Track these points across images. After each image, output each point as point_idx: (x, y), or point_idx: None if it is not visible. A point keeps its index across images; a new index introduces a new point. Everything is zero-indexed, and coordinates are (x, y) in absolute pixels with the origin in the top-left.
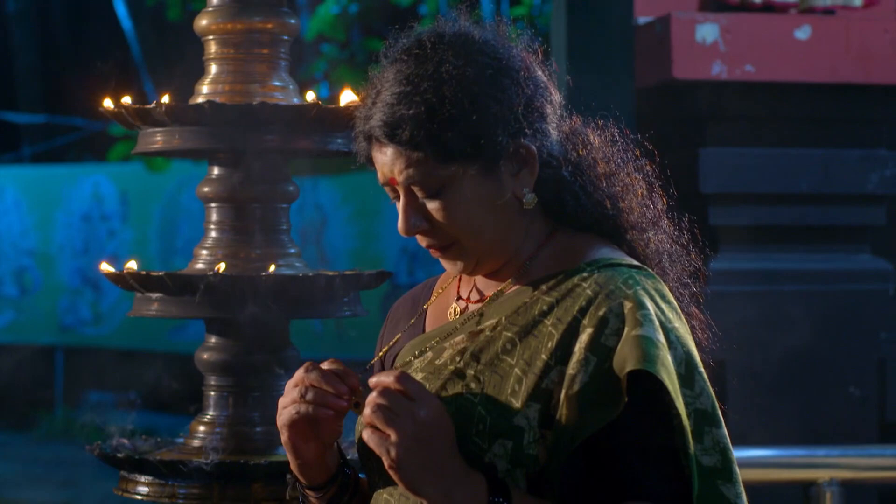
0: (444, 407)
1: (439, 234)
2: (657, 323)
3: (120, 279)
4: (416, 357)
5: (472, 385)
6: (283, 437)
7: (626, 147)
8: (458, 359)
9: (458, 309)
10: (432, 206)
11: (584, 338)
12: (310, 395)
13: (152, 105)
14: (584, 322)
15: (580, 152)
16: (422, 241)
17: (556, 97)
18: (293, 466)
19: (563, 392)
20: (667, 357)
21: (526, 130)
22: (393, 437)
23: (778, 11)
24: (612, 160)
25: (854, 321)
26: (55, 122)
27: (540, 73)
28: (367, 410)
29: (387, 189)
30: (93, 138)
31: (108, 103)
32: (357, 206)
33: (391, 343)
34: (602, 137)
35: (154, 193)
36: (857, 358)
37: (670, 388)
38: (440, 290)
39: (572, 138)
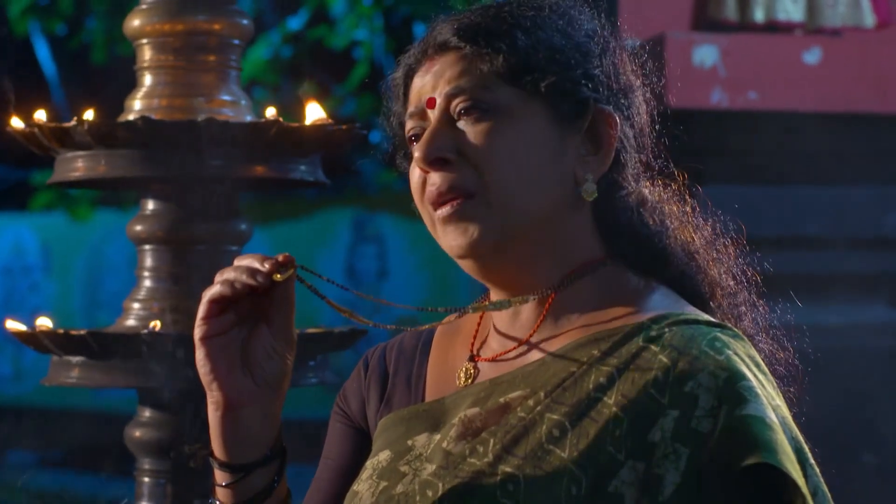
0: None
1: (465, 174)
2: (764, 399)
3: (32, 339)
4: (414, 437)
5: (510, 487)
6: (198, 356)
7: (715, 225)
8: (480, 448)
9: (470, 370)
10: (475, 129)
11: (666, 423)
12: (224, 276)
13: (72, 123)
14: (664, 401)
15: (663, 192)
16: (437, 182)
17: (648, 122)
18: (211, 419)
19: (648, 499)
20: (785, 443)
21: (615, 97)
22: None
23: (783, 32)
24: (699, 220)
25: (867, 381)
26: None
27: (641, 92)
28: None
29: (411, 123)
30: (13, 188)
31: (16, 122)
32: (297, 253)
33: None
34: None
35: (78, 244)
36: (871, 422)
37: (800, 483)
38: (444, 343)
39: (655, 186)
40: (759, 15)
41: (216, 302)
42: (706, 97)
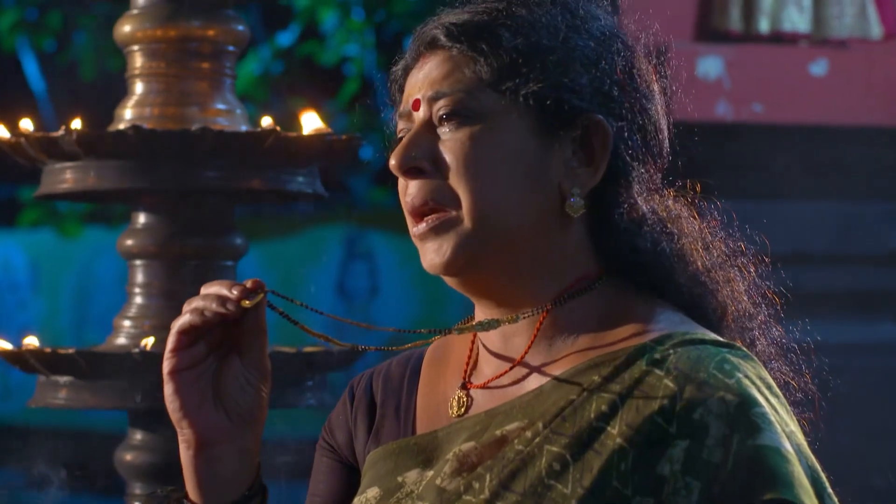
0: None
1: (441, 185)
2: (777, 426)
3: (18, 358)
4: (404, 473)
5: None
6: (167, 391)
7: (731, 239)
8: (476, 485)
9: (463, 399)
10: (453, 136)
11: (675, 454)
12: (193, 304)
13: (60, 133)
14: (672, 430)
15: (672, 206)
16: (413, 192)
17: (665, 129)
18: (183, 459)
19: None
20: (801, 475)
21: (613, 106)
22: None
23: (788, 43)
24: (709, 237)
25: (875, 401)
26: None
27: (658, 97)
28: None
29: (400, 124)
30: (0, 204)
31: (1, 131)
32: (281, 274)
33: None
34: (701, 218)
35: (66, 261)
36: (881, 444)
37: None
38: (434, 371)
39: (660, 198)
40: (763, 25)
41: (185, 333)
42: (710, 109)
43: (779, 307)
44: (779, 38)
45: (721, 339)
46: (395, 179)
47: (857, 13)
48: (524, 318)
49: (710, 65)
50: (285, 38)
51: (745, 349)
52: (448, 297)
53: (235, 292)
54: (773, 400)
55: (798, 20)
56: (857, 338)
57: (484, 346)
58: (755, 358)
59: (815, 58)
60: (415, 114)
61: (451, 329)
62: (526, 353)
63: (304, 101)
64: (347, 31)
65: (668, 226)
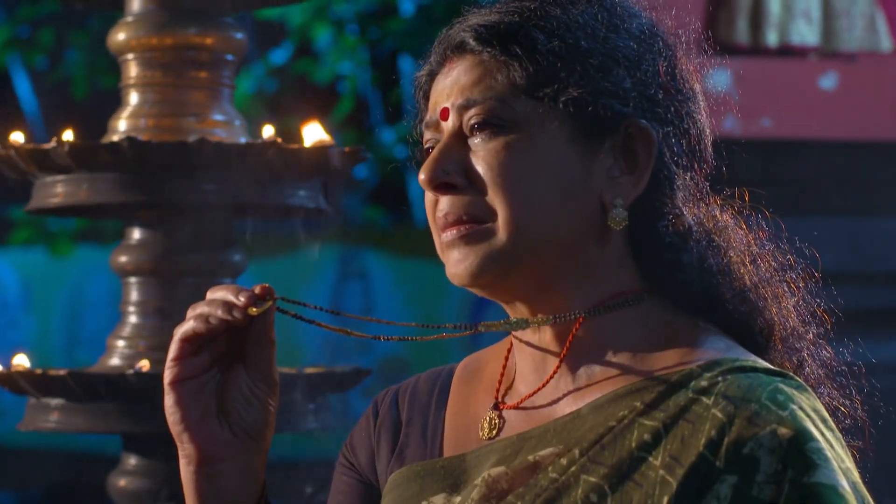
0: None
1: (475, 199)
2: (834, 462)
3: (7, 380)
4: (429, 497)
5: None
6: (168, 403)
7: (779, 251)
8: None
9: (495, 421)
10: (487, 147)
11: (722, 490)
12: (197, 311)
13: (51, 144)
14: (719, 464)
15: (718, 216)
16: (445, 208)
17: (708, 132)
18: (184, 475)
19: None
20: None
21: (657, 110)
22: None
23: (797, 56)
24: (757, 250)
25: (886, 421)
26: None
27: (701, 99)
28: None
29: (427, 134)
30: None
31: None
32: (280, 292)
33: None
34: (747, 228)
35: (58, 280)
36: (893, 465)
37: None
38: (464, 389)
39: (706, 207)
40: (771, 38)
41: (189, 341)
42: (718, 124)
43: (829, 326)
44: (787, 51)
45: (772, 366)
46: (394, 197)
47: (867, 26)
48: (553, 320)
49: (718, 78)
50: (279, 56)
51: (798, 379)
52: (443, 318)
53: (242, 299)
54: (828, 434)
55: (807, 33)
56: (872, 357)
57: (521, 362)
58: (809, 388)
59: (824, 71)
60: (443, 123)
61: (477, 325)
62: (560, 364)
63: (298, 120)
64: (341, 48)
65: (715, 238)
